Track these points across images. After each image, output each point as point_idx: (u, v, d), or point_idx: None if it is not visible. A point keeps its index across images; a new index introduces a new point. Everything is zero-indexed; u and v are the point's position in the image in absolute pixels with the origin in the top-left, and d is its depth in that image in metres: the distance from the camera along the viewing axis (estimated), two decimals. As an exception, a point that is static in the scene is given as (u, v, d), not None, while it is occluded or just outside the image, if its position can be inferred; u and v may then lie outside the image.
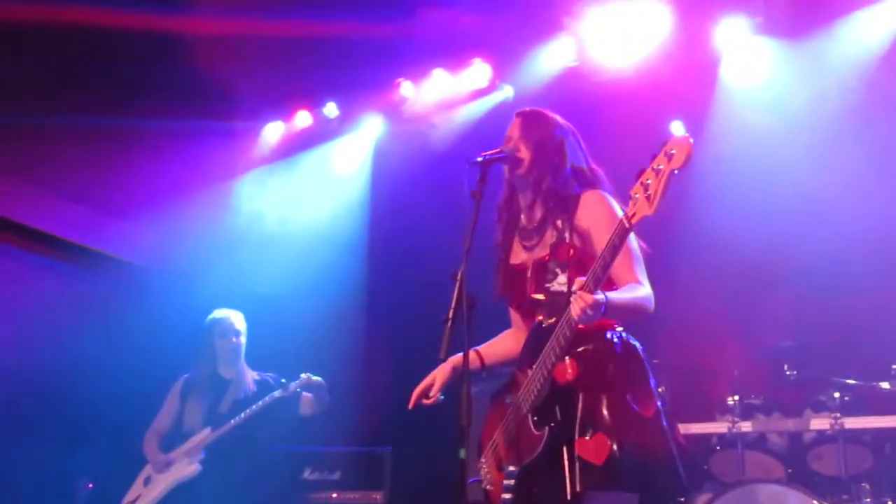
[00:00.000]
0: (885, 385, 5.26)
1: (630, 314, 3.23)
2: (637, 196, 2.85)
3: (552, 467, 3.16)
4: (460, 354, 3.40)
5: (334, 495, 6.08)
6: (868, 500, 5.17)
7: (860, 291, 5.61)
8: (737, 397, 5.58)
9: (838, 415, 5.26)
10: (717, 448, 5.70)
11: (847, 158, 5.76)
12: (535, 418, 3.25)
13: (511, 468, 3.30)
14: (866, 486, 5.25)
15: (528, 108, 3.63)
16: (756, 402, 5.66)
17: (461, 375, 3.34)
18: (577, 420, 3.16)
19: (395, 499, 6.00)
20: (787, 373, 5.55)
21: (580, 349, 3.25)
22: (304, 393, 5.96)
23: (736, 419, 5.51)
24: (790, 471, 5.47)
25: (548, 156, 3.46)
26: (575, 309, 2.98)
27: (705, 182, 6.21)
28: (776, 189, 6.03)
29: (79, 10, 5.77)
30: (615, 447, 3.09)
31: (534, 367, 3.25)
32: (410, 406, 3.58)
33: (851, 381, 5.37)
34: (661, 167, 2.79)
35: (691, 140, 2.76)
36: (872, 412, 5.32)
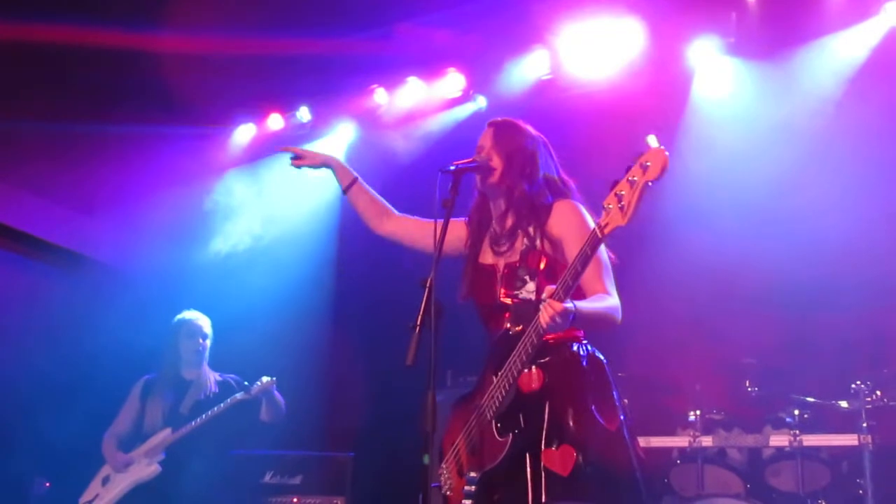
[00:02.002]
0: (843, 404, 5.33)
1: (597, 324, 3.26)
2: (610, 206, 2.87)
3: (514, 474, 3.18)
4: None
5: (295, 500, 6.04)
6: (824, 516, 5.25)
7: (821, 310, 5.68)
8: (698, 412, 5.62)
9: (797, 432, 5.32)
10: (678, 462, 5.73)
11: (812, 180, 5.83)
12: (499, 425, 3.26)
13: (472, 474, 3.31)
14: (823, 502, 5.32)
15: (500, 118, 3.65)
16: (717, 418, 5.71)
17: (338, 172, 4.10)
18: (544, 430, 3.18)
19: (356, 504, 5.98)
20: (749, 389, 5.62)
21: (546, 359, 3.27)
22: (266, 399, 5.94)
23: (697, 434, 5.55)
24: (748, 486, 5.52)
25: (519, 165, 3.48)
26: (544, 316, 2.99)
27: (674, 198, 6.27)
28: (743, 207, 6.10)
29: (54, 27, 5.83)
30: (581, 459, 3.11)
31: (499, 373, 3.26)
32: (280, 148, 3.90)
33: (811, 399, 5.45)
34: (635, 178, 2.81)
35: (667, 153, 2.78)
36: (831, 430, 5.39)
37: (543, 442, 3.16)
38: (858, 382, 5.22)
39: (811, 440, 5.33)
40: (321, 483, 6.08)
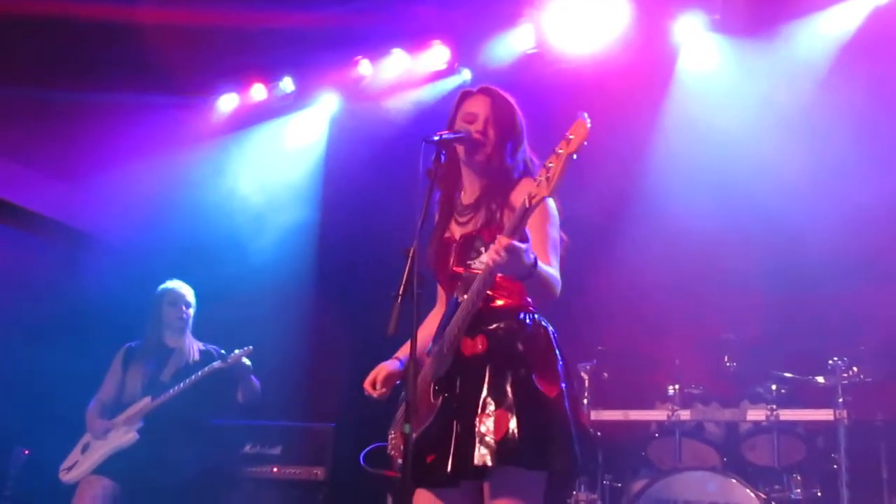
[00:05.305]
0: (820, 379, 5.39)
1: (542, 289, 3.21)
2: (541, 178, 2.89)
3: (444, 437, 3.23)
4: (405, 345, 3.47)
5: (275, 469, 6.07)
6: (799, 490, 5.31)
7: (800, 287, 5.72)
8: (677, 386, 5.67)
9: (774, 407, 5.37)
10: (656, 435, 5.79)
11: (794, 158, 5.86)
12: (436, 387, 3.31)
13: (406, 432, 3.33)
14: (798, 477, 5.38)
15: (495, 89, 3.59)
16: (695, 392, 5.76)
17: (406, 367, 3.42)
18: (482, 395, 3.22)
19: (337, 475, 6.00)
20: (727, 364, 5.66)
21: (492, 326, 3.33)
22: (242, 380, 5.93)
23: (675, 407, 5.60)
24: (725, 459, 5.58)
25: (511, 141, 3.47)
26: (491, 253, 2.98)
27: (655, 174, 6.31)
28: (723, 184, 6.13)
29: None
30: (514, 423, 3.14)
31: (443, 338, 3.30)
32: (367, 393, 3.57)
33: (788, 375, 5.50)
34: (560, 151, 2.84)
35: (588, 125, 2.80)
36: (807, 405, 5.43)
37: (480, 406, 3.20)
38: (835, 358, 5.26)
39: (788, 415, 5.38)
40: (301, 453, 6.09)
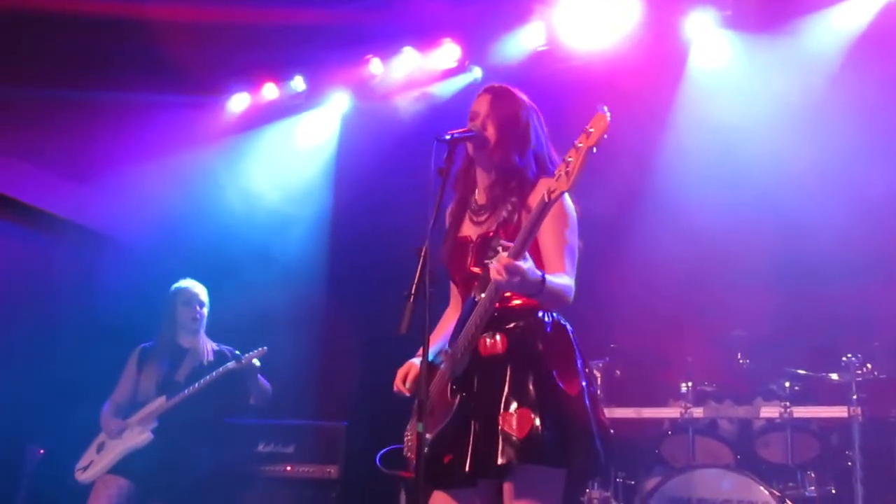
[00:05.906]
0: (834, 376, 5.38)
1: (555, 301, 3.28)
2: (560, 173, 2.90)
3: (463, 437, 3.24)
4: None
5: (288, 468, 6.09)
6: (813, 487, 5.30)
7: (813, 284, 5.70)
8: (690, 384, 5.68)
9: (787, 404, 5.37)
10: (669, 433, 5.78)
11: (806, 154, 5.84)
12: (453, 387, 3.32)
13: (427, 435, 3.31)
14: (812, 474, 5.38)
15: (496, 84, 3.61)
16: (708, 389, 5.76)
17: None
18: (503, 394, 3.22)
19: (349, 473, 6.01)
20: (740, 361, 5.66)
21: (511, 325, 3.34)
22: (252, 382, 5.95)
23: (688, 405, 5.59)
24: (738, 457, 5.57)
25: (514, 137, 3.46)
26: (492, 272, 3.01)
27: (666, 170, 6.30)
28: (735, 180, 6.11)
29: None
30: (538, 422, 3.15)
31: (459, 338, 3.31)
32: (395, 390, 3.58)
33: (802, 372, 5.49)
34: (580, 145, 2.84)
35: (608, 119, 2.80)
36: (821, 402, 5.43)
37: (502, 405, 3.20)
38: (849, 355, 5.27)
39: (801, 412, 5.38)
40: (315, 452, 6.12)
